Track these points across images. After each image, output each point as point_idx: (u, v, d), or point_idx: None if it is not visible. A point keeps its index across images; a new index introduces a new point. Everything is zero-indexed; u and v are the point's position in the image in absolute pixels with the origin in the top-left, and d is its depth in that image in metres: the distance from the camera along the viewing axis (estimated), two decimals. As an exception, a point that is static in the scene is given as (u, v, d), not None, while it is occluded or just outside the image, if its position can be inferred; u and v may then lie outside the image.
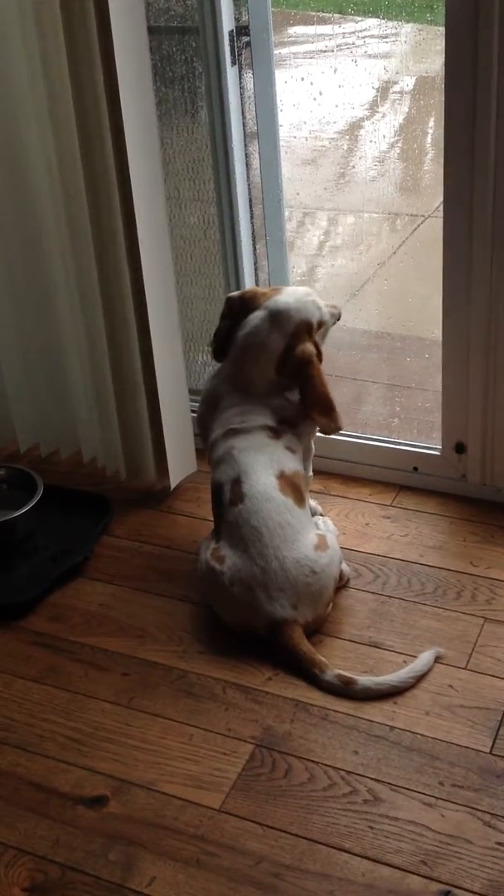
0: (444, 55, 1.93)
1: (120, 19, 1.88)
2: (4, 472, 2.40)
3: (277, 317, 2.00)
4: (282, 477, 1.97)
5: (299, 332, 2.00)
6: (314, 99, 3.70)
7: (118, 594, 2.15)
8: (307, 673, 1.88)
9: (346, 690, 1.85)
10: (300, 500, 1.99)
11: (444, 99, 1.98)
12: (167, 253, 2.18)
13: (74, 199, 2.14)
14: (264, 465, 1.98)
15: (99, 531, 2.30)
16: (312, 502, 2.19)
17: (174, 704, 1.87)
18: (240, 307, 2.04)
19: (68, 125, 2.05)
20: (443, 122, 2.00)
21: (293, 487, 1.98)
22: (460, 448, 2.29)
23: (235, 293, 2.09)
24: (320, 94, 3.36)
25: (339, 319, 2.13)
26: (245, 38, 2.20)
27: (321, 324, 2.06)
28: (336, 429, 2.04)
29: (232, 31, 2.16)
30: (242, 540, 1.93)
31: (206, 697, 1.88)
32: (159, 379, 2.25)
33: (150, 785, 1.73)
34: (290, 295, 2.03)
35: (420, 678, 1.87)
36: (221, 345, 2.06)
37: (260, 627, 1.92)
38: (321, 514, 2.22)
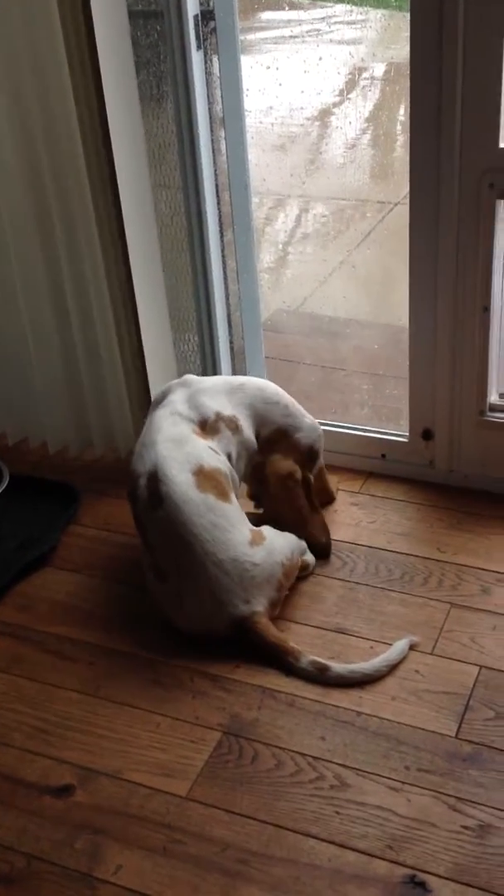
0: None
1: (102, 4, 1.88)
2: (-31, 462, 2.38)
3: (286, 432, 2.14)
4: (200, 473, 1.92)
5: (304, 455, 2.14)
6: (281, 85, 3.68)
7: (85, 583, 2.14)
8: (281, 662, 1.88)
9: (319, 677, 1.85)
10: (222, 494, 1.93)
11: (409, 85, 1.97)
12: (153, 233, 2.19)
13: (48, 183, 2.12)
14: (181, 460, 1.93)
15: (66, 520, 2.29)
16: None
17: (141, 693, 1.87)
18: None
19: (51, 111, 2.04)
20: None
21: (213, 482, 1.93)
22: (427, 435, 2.30)
23: None
24: (289, 80, 3.35)
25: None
26: (211, 23, 2.18)
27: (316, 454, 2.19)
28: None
29: (197, 15, 2.14)
30: (173, 553, 1.90)
31: (173, 686, 1.88)
32: (149, 365, 2.26)
33: (117, 773, 1.72)
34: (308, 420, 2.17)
35: (394, 667, 1.88)
36: None
37: (223, 630, 1.91)
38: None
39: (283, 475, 2.09)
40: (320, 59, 4.77)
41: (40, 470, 2.48)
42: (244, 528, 1.95)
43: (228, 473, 1.98)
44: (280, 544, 1.97)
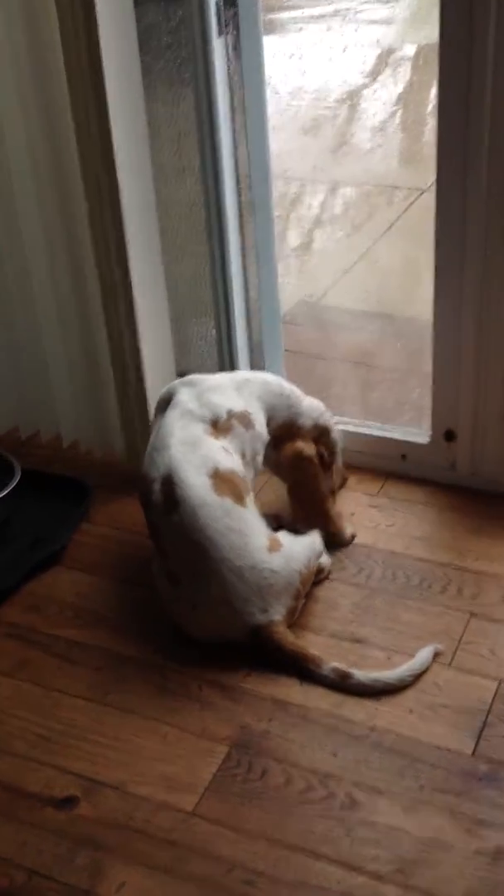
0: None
1: None
2: (-20, 457, 2.33)
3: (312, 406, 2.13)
4: (216, 475, 1.86)
5: (309, 428, 2.10)
6: (309, 66, 3.59)
7: (96, 584, 2.09)
8: (301, 670, 1.82)
9: (341, 685, 1.80)
10: (239, 498, 1.87)
11: (438, 66, 1.89)
12: (154, 229, 2.11)
13: (55, 175, 2.06)
14: (196, 463, 1.87)
15: (77, 518, 2.24)
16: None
17: (149, 701, 1.82)
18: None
19: (50, 94, 1.97)
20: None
21: (229, 485, 1.87)
22: (450, 436, 2.23)
23: None
24: (317, 61, 3.25)
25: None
26: (233, 9, 2.10)
27: (328, 432, 2.15)
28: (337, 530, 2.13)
29: (219, 0, 2.06)
30: (189, 559, 1.84)
31: (182, 694, 1.83)
32: (145, 360, 2.19)
33: (122, 786, 1.68)
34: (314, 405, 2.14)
35: (418, 677, 1.82)
36: None
37: (239, 639, 1.86)
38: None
39: (294, 456, 2.06)
40: (349, 39, 4.68)
41: (52, 465, 2.43)
42: (262, 534, 1.89)
43: (243, 474, 1.92)
44: (298, 551, 1.92)
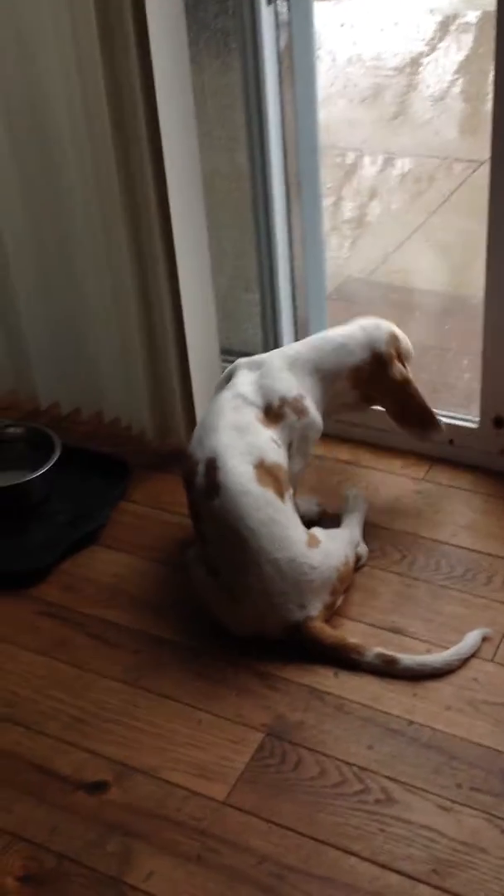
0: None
1: None
2: (22, 431, 2.32)
3: (367, 331, 2.02)
4: (261, 467, 1.82)
5: (387, 349, 2.02)
6: (357, 42, 3.48)
7: (134, 565, 2.07)
8: (344, 660, 1.79)
9: (387, 669, 1.77)
10: (280, 492, 1.83)
11: (495, 33, 1.80)
12: (199, 203, 2.06)
13: (100, 149, 2.01)
14: (242, 450, 1.82)
15: (116, 496, 2.22)
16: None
17: (184, 686, 1.80)
18: None
19: (93, 68, 1.92)
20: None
21: (272, 478, 1.82)
22: (500, 422, 2.16)
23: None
24: (375, 27, 3.15)
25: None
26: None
27: (402, 343, 2.07)
28: (442, 429, 2.09)
29: (269, -35, 2.00)
30: (228, 547, 1.80)
31: (217, 680, 1.80)
32: (189, 335, 2.15)
33: (154, 772, 1.66)
34: (369, 321, 2.06)
35: (465, 661, 1.78)
36: None
37: (274, 634, 1.82)
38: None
39: (397, 388, 2.03)
40: (407, 6, 4.54)
41: (92, 441, 2.40)
42: (300, 529, 1.84)
43: (286, 469, 1.87)
44: (335, 548, 1.87)
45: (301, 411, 1.91)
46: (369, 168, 4.03)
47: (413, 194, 3.73)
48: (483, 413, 2.18)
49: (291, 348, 2.02)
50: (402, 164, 4.03)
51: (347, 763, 1.65)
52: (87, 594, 2.01)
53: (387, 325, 2.05)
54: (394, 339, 2.03)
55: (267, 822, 1.57)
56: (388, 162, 4.05)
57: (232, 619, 1.85)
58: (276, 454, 1.85)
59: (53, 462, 2.20)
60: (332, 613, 1.87)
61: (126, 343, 2.26)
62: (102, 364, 2.34)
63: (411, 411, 2.04)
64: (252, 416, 1.86)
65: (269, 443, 1.85)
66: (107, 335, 2.29)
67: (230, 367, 2.00)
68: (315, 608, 1.81)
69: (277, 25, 2.04)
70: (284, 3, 2.03)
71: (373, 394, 2.04)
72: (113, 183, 2.04)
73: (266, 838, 1.55)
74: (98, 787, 1.64)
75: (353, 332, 2.02)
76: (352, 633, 1.86)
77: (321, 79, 2.23)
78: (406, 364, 2.05)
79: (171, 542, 2.12)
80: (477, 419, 2.20)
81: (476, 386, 2.20)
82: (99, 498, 2.21)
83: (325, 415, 1.98)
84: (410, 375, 2.03)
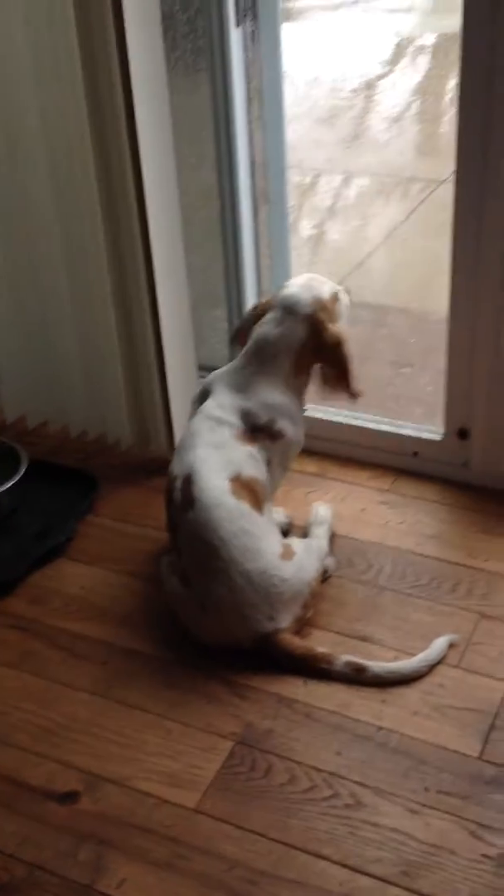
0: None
1: None
2: (-11, 445, 2.32)
3: (291, 308, 1.91)
4: (237, 480, 1.84)
5: (316, 315, 1.91)
6: (326, 55, 3.54)
7: (101, 577, 2.07)
8: (314, 670, 1.80)
9: (357, 678, 1.79)
10: (257, 505, 1.85)
11: (460, 55, 1.85)
12: (176, 218, 2.10)
13: (74, 163, 2.04)
14: (219, 465, 1.84)
15: (83, 509, 2.22)
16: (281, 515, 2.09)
17: (154, 696, 1.80)
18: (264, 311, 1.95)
19: (72, 81, 1.95)
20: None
21: (249, 491, 1.84)
22: (463, 433, 2.20)
23: (262, 300, 2.00)
24: (336, 49, 3.21)
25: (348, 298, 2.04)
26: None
27: (335, 299, 1.97)
28: (360, 394, 1.95)
29: (237, -11, 2.04)
30: (200, 558, 1.81)
31: (187, 689, 1.81)
32: (166, 349, 2.18)
33: (124, 781, 1.66)
34: (295, 284, 1.96)
35: (433, 667, 1.81)
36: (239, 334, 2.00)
37: (244, 645, 1.84)
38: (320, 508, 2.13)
39: (330, 351, 1.92)
40: (368, 28, 4.62)
41: (59, 455, 2.41)
42: (275, 541, 1.86)
43: (265, 482, 1.89)
44: (310, 561, 1.89)
45: (275, 435, 1.92)
46: (330, 187, 4.09)
47: (373, 213, 3.79)
48: (447, 425, 2.22)
49: (245, 363, 1.96)
50: (362, 184, 4.10)
51: (317, 769, 1.66)
52: (55, 606, 2.01)
53: (307, 292, 1.93)
54: (318, 303, 1.93)
55: (238, 829, 1.58)
56: (349, 181, 4.11)
57: (202, 628, 1.86)
58: (254, 468, 1.87)
59: (20, 476, 2.20)
60: (303, 625, 1.88)
61: (103, 357, 2.27)
62: (72, 377, 2.36)
63: (340, 373, 1.94)
64: (229, 434, 1.89)
65: (247, 458, 1.87)
66: (80, 349, 2.30)
67: (205, 382, 2.01)
68: (285, 620, 1.83)
69: (246, 46, 2.09)
70: (252, 24, 2.07)
71: (316, 361, 1.96)
72: (93, 197, 2.06)
73: (237, 844, 1.56)
74: (69, 798, 1.64)
75: (279, 319, 1.93)
76: (320, 641, 1.88)
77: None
78: (339, 319, 1.98)
79: (139, 555, 2.13)
80: (441, 431, 2.24)
81: (438, 399, 2.25)
82: (66, 511, 2.21)
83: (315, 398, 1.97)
84: (344, 335, 1.93)
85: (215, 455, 1.86)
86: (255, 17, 2.07)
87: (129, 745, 1.72)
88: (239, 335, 2.01)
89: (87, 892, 1.51)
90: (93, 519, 2.23)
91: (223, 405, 1.91)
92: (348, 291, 2.04)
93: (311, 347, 1.92)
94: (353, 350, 1.94)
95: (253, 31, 2.09)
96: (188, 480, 1.84)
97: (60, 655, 1.90)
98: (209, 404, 1.93)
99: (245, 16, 2.06)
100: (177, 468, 1.89)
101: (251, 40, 2.09)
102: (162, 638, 1.92)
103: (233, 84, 2.09)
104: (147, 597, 2.01)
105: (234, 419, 1.90)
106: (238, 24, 2.06)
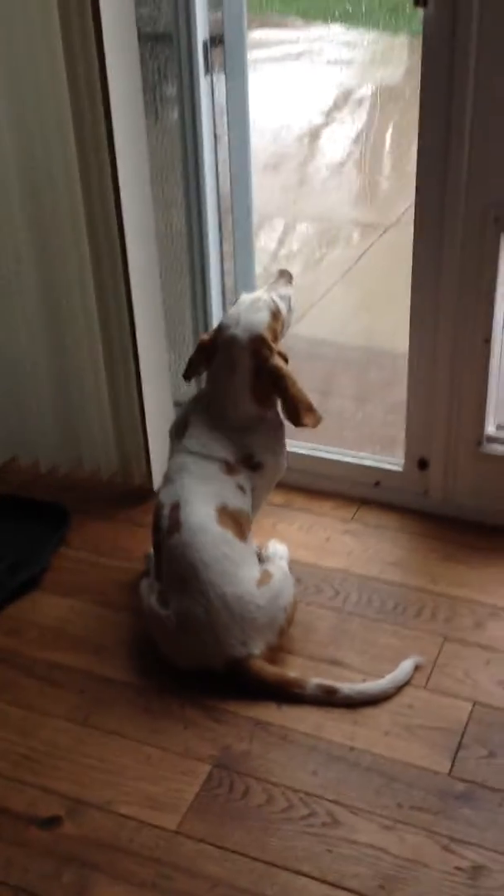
0: (419, 62, 1.92)
1: (112, 28, 1.90)
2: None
3: (232, 345, 1.96)
4: (223, 511, 1.91)
5: (257, 348, 1.95)
6: (273, 104, 3.67)
7: (77, 608, 2.11)
8: (286, 695, 1.86)
9: (328, 699, 1.85)
10: (240, 534, 1.93)
11: (419, 103, 1.96)
12: (153, 257, 2.18)
13: (58, 198, 2.12)
14: (206, 495, 1.92)
15: (56, 542, 2.26)
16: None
17: (131, 722, 1.84)
18: (211, 345, 2.00)
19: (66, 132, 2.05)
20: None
21: (233, 521, 1.92)
22: (423, 464, 2.29)
23: (205, 335, 2.04)
24: (280, 99, 3.34)
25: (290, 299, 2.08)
26: (218, 48, 2.17)
27: (276, 316, 2.00)
28: (319, 421, 1.98)
29: (206, 40, 2.14)
30: (181, 577, 1.88)
31: (164, 715, 1.85)
32: (145, 385, 2.25)
33: (106, 805, 1.70)
34: (235, 318, 1.97)
35: (400, 687, 1.87)
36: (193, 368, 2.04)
37: (216, 668, 1.88)
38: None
39: (273, 383, 1.95)
40: (311, 79, 4.80)
41: (30, 489, 2.45)
42: (254, 569, 1.93)
43: (249, 514, 1.97)
44: (287, 588, 1.96)
45: (255, 467, 1.99)
46: (279, 233, 4.21)
47: (323, 258, 3.91)
48: (407, 456, 2.31)
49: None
50: (311, 228, 4.22)
51: (293, 789, 1.71)
52: (31, 637, 2.04)
53: (244, 332, 1.95)
54: (256, 338, 1.95)
55: (219, 849, 1.62)
56: (297, 226, 4.23)
57: (176, 649, 1.91)
58: (239, 500, 1.95)
59: (-8, 510, 2.24)
60: (276, 653, 1.93)
61: (82, 391, 2.34)
62: (44, 412, 2.40)
63: (287, 403, 1.97)
64: (214, 468, 1.95)
65: (233, 489, 1.95)
66: (57, 386, 2.36)
67: (180, 415, 2.07)
68: (258, 647, 1.88)
69: (213, 94, 2.18)
70: (221, 73, 2.17)
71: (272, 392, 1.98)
72: (74, 231, 2.14)
73: (218, 864, 1.60)
74: (51, 822, 1.67)
75: (223, 362, 1.97)
76: (291, 666, 1.93)
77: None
78: (288, 325, 2.03)
79: (112, 586, 2.17)
80: (401, 462, 2.33)
81: (396, 431, 2.33)
82: (38, 544, 2.25)
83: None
84: (281, 369, 1.95)
85: (202, 486, 1.93)
86: (223, 67, 2.17)
87: (109, 771, 1.75)
88: (188, 374, 2.05)
89: (73, 915, 1.54)
90: (65, 551, 2.27)
91: (203, 442, 1.98)
92: (285, 275, 2.07)
93: (262, 381, 1.97)
94: (303, 380, 1.97)
95: (220, 81, 2.19)
96: (176, 507, 1.91)
97: (38, 685, 1.93)
98: (191, 442, 1.99)
99: (213, 65, 2.16)
100: (164, 497, 1.95)
101: (218, 90, 2.19)
102: (138, 666, 1.96)
103: (202, 131, 2.18)
104: (122, 626, 2.05)
105: (216, 454, 1.96)
106: (207, 72, 2.15)
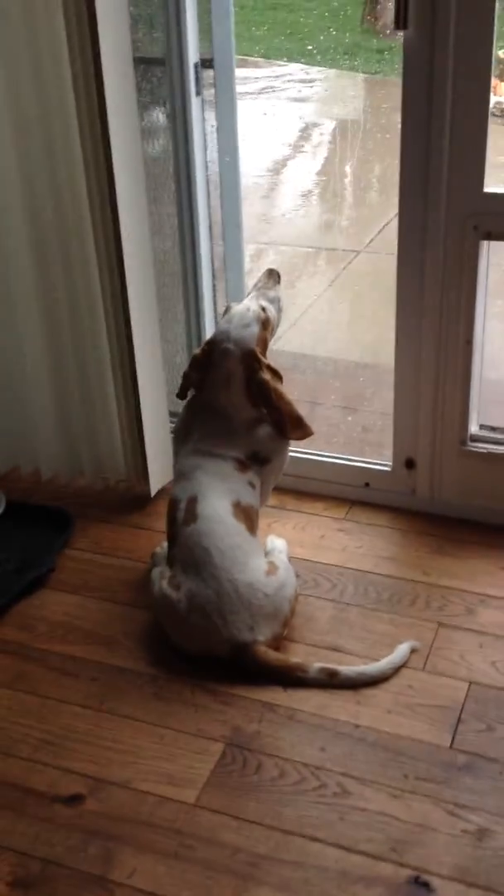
0: (400, 97, 2.04)
1: (109, 51, 2.01)
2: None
3: (226, 358, 2.05)
4: (237, 506, 2.03)
5: (248, 362, 2.05)
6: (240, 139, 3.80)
7: (84, 604, 2.19)
8: (289, 680, 1.94)
9: (330, 681, 1.93)
10: (252, 529, 2.05)
11: (400, 135, 2.09)
12: (150, 268, 2.28)
13: (49, 215, 2.22)
14: (222, 491, 2.03)
15: (61, 544, 2.34)
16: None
17: (144, 707, 1.92)
18: (205, 359, 2.08)
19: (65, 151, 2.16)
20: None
21: (246, 516, 2.04)
22: (410, 464, 2.40)
23: (198, 350, 2.12)
24: (246, 134, 3.49)
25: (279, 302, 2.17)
26: (208, 71, 2.30)
27: (266, 325, 2.09)
28: (309, 434, 2.10)
29: (197, 63, 2.26)
30: (194, 562, 1.97)
31: (175, 700, 1.93)
32: (141, 388, 2.33)
33: (126, 783, 1.77)
34: (226, 334, 2.06)
35: (398, 669, 1.96)
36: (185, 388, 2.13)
37: (222, 652, 1.96)
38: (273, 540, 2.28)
39: (261, 396, 2.04)
40: (273, 114, 4.98)
41: (32, 496, 2.53)
42: (262, 560, 2.03)
43: (258, 509, 2.09)
44: (290, 579, 2.05)
45: (263, 461, 2.10)
46: (256, 257, 4.35)
47: (296, 280, 4.05)
48: (395, 457, 2.42)
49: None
50: (282, 254, 4.36)
51: (304, 764, 1.79)
52: (42, 631, 2.11)
53: (236, 346, 2.04)
54: (250, 354, 2.04)
55: (236, 819, 1.70)
56: (268, 252, 4.37)
57: (185, 633, 1.99)
58: (251, 497, 2.06)
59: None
60: (280, 642, 2.02)
61: (66, 402, 2.42)
62: (43, 423, 2.49)
63: (273, 414, 2.07)
64: (230, 467, 2.06)
65: (245, 486, 2.06)
66: (55, 397, 2.45)
67: (183, 416, 2.15)
68: (263, 634, 1.97)
69: (204, 114, 2.30)
70: (212, 93, 2.30)
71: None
72: (75, 245, 2.24)
73: (237, 833, 1.68)
74: (74, 800, 1.74)
75: (217, 381, 2.07)
76: (294, 653, 2.02)
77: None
78: (277, 325, 2.13)
79: (116, 583, 2.25)
80: (390, 463, 2.44)
81: (380, 435, 2.44)
82: (44, 546, 2.32)
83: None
84: (268, 383, 2.03)
85: (218, 483, 2.04)
86: (213, 87, 2.29)
87: (126, 751, 1.82)
88: (183, 389, 2.14)
89: (101, 882, 1.60)
90: (70, 552, 2.34)
91: (214, 443, 2.07)
92: (273, 275, 2.17)
93: (254, 390, 2.06)
94: (292, 392, 2.08)
95: (210, 103, 2.31)
96: (193, 500, 2.02)
97: (52, 675, 2.00)
98: (203, 443, 2.08)
99: (203, 86, 2.28)
100: (180, 492, 2.05)
101: (209, 109, 2.31)
102: (147, 656, 2.03)
103: (194, 153, 2.30)
104: (129, 619, 2.13)
105: (229, 453, 2.07)
106: (198, 94, 2.28)
